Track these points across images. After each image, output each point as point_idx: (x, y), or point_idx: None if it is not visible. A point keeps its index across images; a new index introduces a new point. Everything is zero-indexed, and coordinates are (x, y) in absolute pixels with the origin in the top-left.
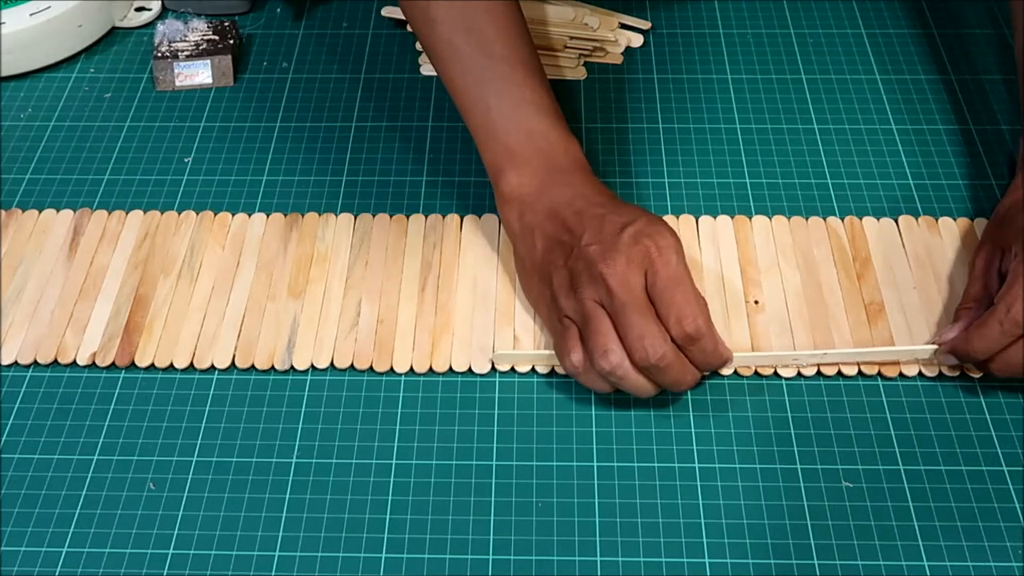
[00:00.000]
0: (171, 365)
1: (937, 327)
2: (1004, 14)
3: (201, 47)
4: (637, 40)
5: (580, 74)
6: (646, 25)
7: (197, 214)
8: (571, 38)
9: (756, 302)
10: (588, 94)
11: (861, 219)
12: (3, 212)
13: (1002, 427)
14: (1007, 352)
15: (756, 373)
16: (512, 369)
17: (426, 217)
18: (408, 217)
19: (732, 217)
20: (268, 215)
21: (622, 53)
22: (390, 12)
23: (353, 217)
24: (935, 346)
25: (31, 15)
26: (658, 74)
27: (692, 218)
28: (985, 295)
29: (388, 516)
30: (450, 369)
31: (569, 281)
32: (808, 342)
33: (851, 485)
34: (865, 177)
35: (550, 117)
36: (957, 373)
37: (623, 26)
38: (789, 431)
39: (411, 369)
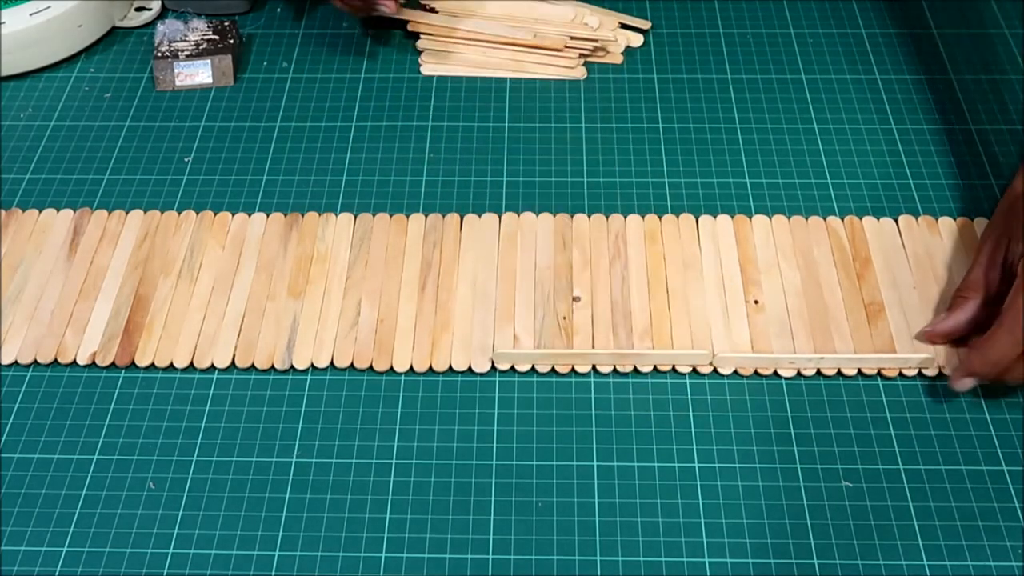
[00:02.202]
0: (171, 365)
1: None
2: (1005, 13)
3: (201, 47)
4: (637, 40)
5: (580, 74)
6: (646, 25)
7: (197, 214)
8: (571, 38)
9: (756, 302)
10: (588, 94)
11: (861, 219)
12: (3, 212)
13: (1002, 427)
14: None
15: (756, 373)
16: (512, 369)
17: (426, 217)
18: (408, 217)
19: (732, 217)
20: (268, 215)
21: (622, 53)
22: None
23: (353, 217)
24: (929, 356)
25: (31, 15)
26: (658, 74)
27: (692, 218)
28: (986, 283)
29: (388, 516)
30: (450, 369)
31: None
32: (808, 342)
33: (851, 485)
34: (865, 177)
35: None
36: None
37: (623, 26)
38: (789, 431)
39: (411, 369)
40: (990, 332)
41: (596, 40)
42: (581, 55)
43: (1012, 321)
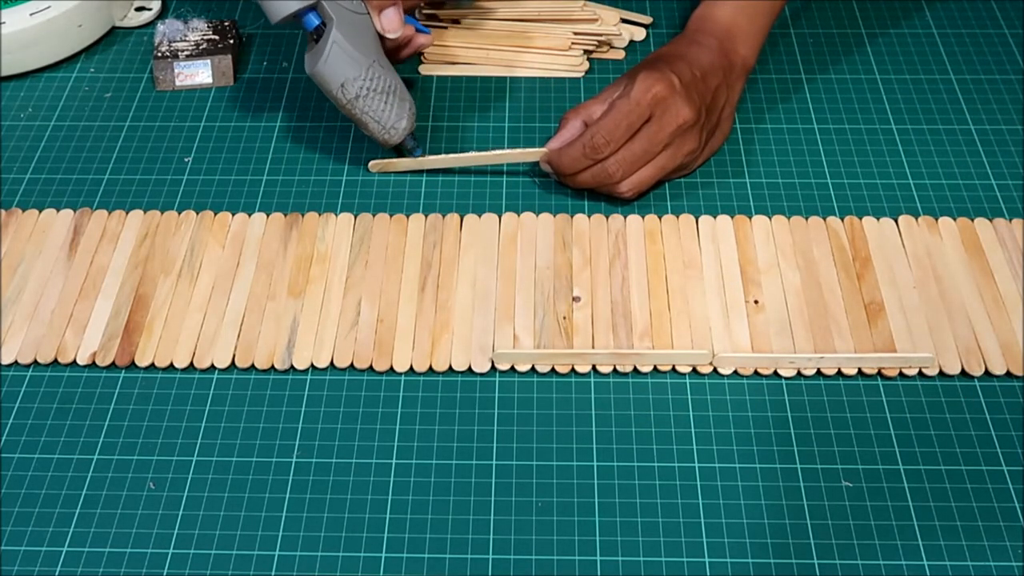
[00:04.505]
0: (171, 365)
1: (937, 327)
2: (1005, 13)
3: (201, 47)
4: (640, 34)
5: (583, 69)
6: (647, 20)
7: (197, 214)
8: (576, 33)
9: (756, 302)
10: (588, 92)
11: (861, 219)
12: (3, 212)
13: (1002, 427)
14: (585, 172)
15: (756, 373)
16: (512, 369)
17: (426, 217)
18: (408, 217)
19: (732, 217)
20: (268, 215)
21: (624, 48)
22: None
23: (353, 217)
24: (929, 355)
25: (31, 15)
26: None
27: (692, 218)
28: (589, 112)
29: (388, 516)
30: (450, 369)
31: None
32: (808, 342)
33: (851, 485)
34: (865, 177)
35: None
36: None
37: (625, 21)
38: (789, 431)
39: (411, 369)
40: (570, 142)
41: (601, 35)
42: (585, 51)
43: (584, 140)
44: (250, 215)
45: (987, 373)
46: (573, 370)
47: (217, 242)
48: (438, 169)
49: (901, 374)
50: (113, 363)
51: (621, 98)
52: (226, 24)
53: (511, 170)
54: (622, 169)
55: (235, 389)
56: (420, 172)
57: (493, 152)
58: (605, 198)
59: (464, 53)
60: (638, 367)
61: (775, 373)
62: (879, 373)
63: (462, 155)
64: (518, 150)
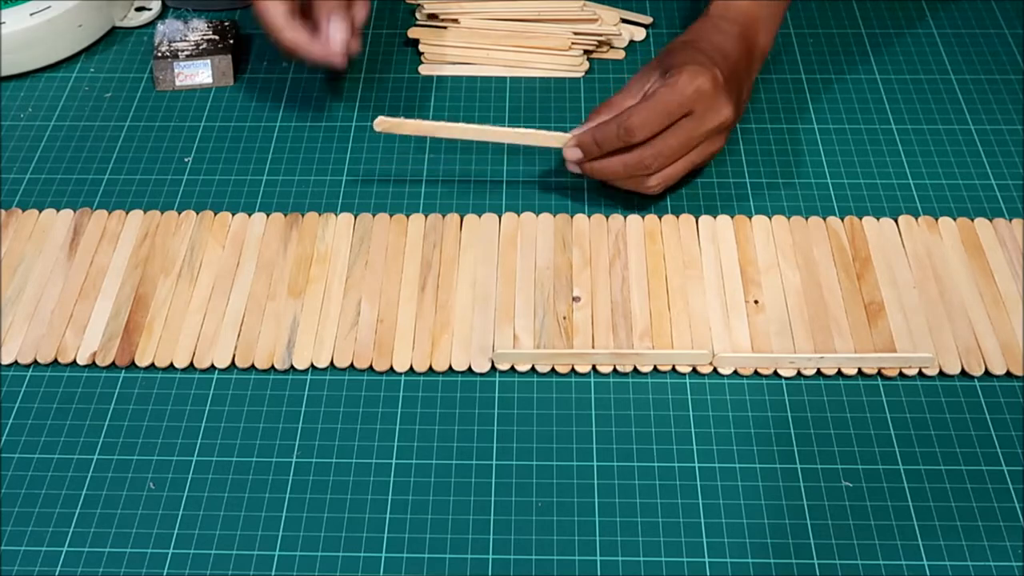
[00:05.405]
0: (171, 365)
1: (937, 327)
2: (1005, 13)
3: (201, 47)
4: (639, 34)
5: (583, 69)
6: (648, 20)
7: (197, 214)
8: (575, 33)
9: (756, 302)
10: (588, 92)
11: (861, 219)
12: (3, 212)
13: (1002, 427)
14: (618, 162)
15: (756, 373)
16: (512, 369)
17: (426, 217)
18: (408, 217)
19: (732, 217)
20: (268, 215)
21: (624, 48)
22: None
23: (353, 217)
24: (929, 355)
25: (31, 15)
26: None
27: (692, 218)
28: (619, 105)
29: (388, 516)
30: (450, 369)
31: None
32: (808, 342)
33: (851, 485)
34: (865, 177)
35: None
36: (576, 170)
37: (625, 21)
38: (789, 431)
39: (411, 369)
40: (604, 121)
41: (601, 35)
42: (585, 51)
43: (620, 119)
44: (250, 215)
45: (987, 373)
46: (573, 370)
47: (217, 242)
48: (438, 168)
49: (901, 374)
50: (113, 363)
51: (665, 87)
52: (226, 24)
53: (511, 170)
54: (658, 162)
55: (235, 389)
56: (420, 172)
57: (512, 129)
58: (605, 197)
59: (464, 53)
60: (638, 367)
61: (775, 373)
62: (879, 373)
63: (479, 127)
64: (540, 132)
